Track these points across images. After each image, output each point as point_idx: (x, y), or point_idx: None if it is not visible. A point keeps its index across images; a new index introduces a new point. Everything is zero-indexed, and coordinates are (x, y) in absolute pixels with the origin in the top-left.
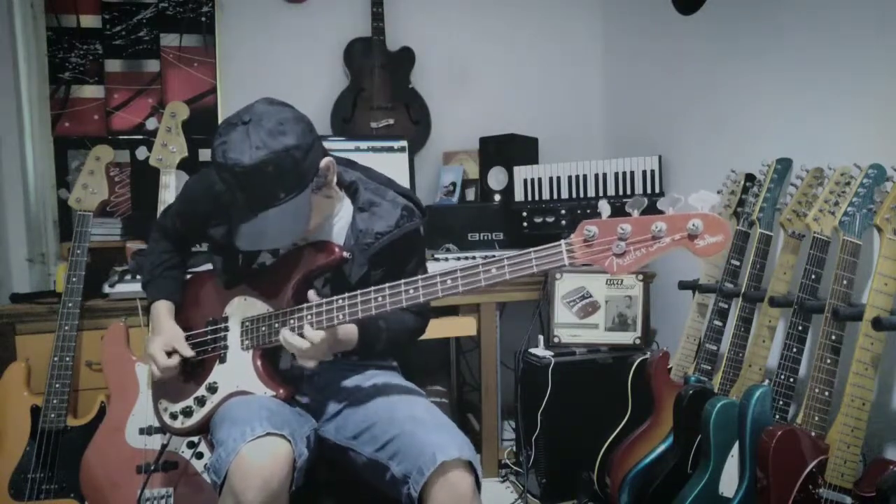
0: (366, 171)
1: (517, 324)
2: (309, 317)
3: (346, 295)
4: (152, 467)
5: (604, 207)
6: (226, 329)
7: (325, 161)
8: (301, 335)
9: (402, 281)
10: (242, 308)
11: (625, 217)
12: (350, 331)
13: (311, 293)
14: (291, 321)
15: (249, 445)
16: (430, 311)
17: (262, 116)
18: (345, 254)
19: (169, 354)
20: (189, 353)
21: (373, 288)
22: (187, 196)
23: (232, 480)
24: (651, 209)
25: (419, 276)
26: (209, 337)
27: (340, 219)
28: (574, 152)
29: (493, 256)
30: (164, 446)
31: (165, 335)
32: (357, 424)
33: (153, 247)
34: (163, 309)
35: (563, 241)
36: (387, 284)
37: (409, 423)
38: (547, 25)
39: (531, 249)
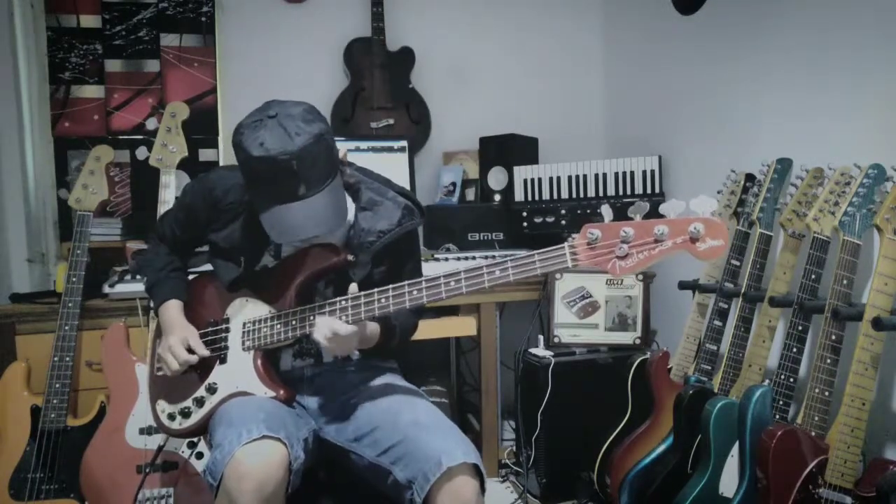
0: (364, 172)
1: (517, 324)
2: (311, 318)
3: (350, 296)
4: (147, 469)
5: (606, 211)
6: (227, 330)
7: (342, 149)
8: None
9: (406, 283)
10: (244, 309)
11: (627, 221)
12: (374, 329)
13: (353, 286)
14: (312, 317)
15: (244, 448)
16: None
17: (286, 108)
18: (349, 256)
19: (187, 350)
20: (206, 352)
21: (376, 290)
22: (186, 204)
23: (227, 483)
24: (653, 214)
25: (422, 278)
26: (210, 338)
27: None
28: (574, 152)
29: (494, 257)
30: (160, 447)
31: (181, 332)
32: (358, 427)
33: (153, 252)
34: (173, 308)
35: (566, 244)
36: (390, 286)
37: (411, 428)
38: (547, 25)
39: (535, 252)
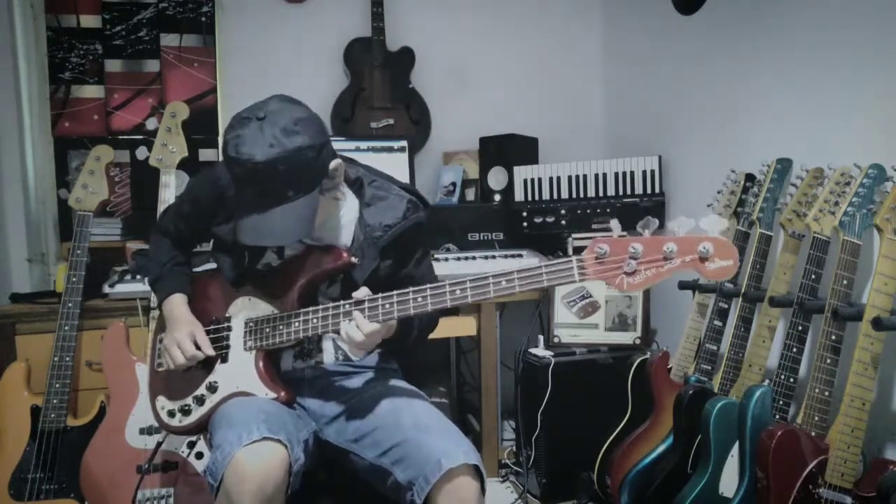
0: (367, 169)
1: (517, 324)
2: (315, 320)
3: (354, 300)
4: (146, 467)
5: (615, 225)
6: (228, 329)
7: (334, 163)
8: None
9: (411, 290)
10: (246, 308)
11: (636, 237)
12: (394, 323)
13: (365, 290)
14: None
15: (245, 450)
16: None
17: (277, 114)
18: (353, 259)
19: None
20: (211, 351)
21: (380, 295)
22: (192, 196)
23: (227, 485)
24: (652, 213)
25: (428, 286)
26: (212, 336)
27: (346, 215)
28: (574, 152)
29: (494, 256)
30: (158, 444)
31: (189, 326)
32: (358, 428)
33: (156, 247)
34: (179, 302)
35: (574, 258)
36: (395, 292)
37: (412, 429)
38: (547, 25)
39: (542, 264)
